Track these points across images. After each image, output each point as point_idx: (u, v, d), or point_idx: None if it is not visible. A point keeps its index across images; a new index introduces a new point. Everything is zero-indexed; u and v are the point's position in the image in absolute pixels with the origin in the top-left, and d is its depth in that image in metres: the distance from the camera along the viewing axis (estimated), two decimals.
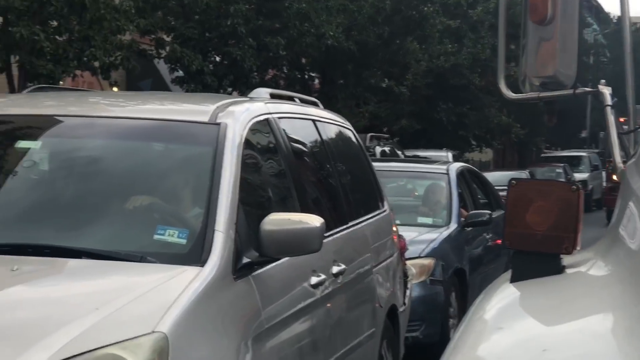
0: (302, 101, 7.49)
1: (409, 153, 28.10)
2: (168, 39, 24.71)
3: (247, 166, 5.38)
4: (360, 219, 7.25)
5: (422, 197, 12.94)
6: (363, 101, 33.62)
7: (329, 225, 5.86)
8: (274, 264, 5.13)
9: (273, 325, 5.01)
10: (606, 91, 3.47)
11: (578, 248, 2.60)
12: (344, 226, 6.75)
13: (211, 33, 25.35)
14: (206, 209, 4.89)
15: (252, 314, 4.83)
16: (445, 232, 11.30)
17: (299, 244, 4.97)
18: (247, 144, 5.45)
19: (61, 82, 19.94)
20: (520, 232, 2.60)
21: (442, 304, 10.51)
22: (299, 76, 32.75)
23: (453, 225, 11.58)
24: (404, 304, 8.07)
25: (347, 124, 8.21)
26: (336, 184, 7.11)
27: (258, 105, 6.08)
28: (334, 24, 27.22)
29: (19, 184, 5.56)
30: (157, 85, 31.31)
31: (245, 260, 4.83)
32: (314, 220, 5.02)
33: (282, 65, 30.26)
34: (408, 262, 9.33)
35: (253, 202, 5.51)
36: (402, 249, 8.35)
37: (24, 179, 5.63)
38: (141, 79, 31.28)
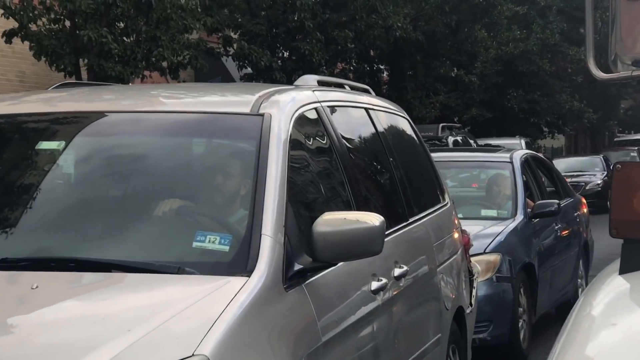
0: (353, 88, 6.96)
1: (481, 142, 27.83)
2: (235, 36, 24.72)
3: (296, 161, 4.81)
4: (421, 215, 6.61)
5: (485, 188, 12.35)
6: (433, 91, 33.53)
7: (389, 224, 5.27)
8: (329, 269, 4.54)
9: (331, 339, 4.44)
10: None
11: None
12: (404, 223, 6.14)
13: (278, 28, 25.32)
14: (251, 210, 4.32)
15: (306, 327, 4.27)
16: (511, 225, 10.69)
17: (357, 246, 4.36)
18: (295, 136, 4.85)
19: (130, 84, 20.06)
20: (628, 219, 2.44)
21: (510, 302, 9.93)
22: (368, 69, 32.70)
23: (519, 217, 10.97)
24: (471, 304, 7.52)
25: (402, 112, 7.57)
26: (393, 178, 6.45)
27: (305, 94, 5.46)
28: (402, 15, 27.16)
29: (41, 188, 4.87)
30: (227, 81, 31.44)
31: (297, 267, 4.29)
32: (373, 219, 4.43)
33: (351, 58, 30.22)
34: (472, 259, 8.84)
35: (304, 201, 4.98)
36: (466, 244, 7.78)
37: (47, 183, 4.93)
38: (210, 78, 31.38)
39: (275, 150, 4.55)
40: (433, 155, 12.79)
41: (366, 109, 6.44)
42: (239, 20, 24.78)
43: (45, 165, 5.02)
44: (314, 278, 4.41)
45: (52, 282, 4.10)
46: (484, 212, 11.35)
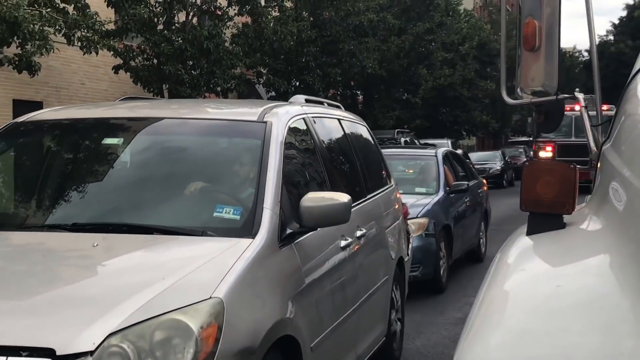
0: (329, 105, 6.59)
1: (422, 141, 27.77)
2: (264, 71, 24.63)
3: (288, 155, 4.65)
4: (375, 193, 6.40)
5: (418, 173, 12.09)
6: (391, 108, 33.41)
7: (354, 199, 5.06)
8: (311, 233, 4.34)
9: (312, 282, 4.30)
10: (580, 96, 3.26)
11: (575, 210, 2.40)
12: (363, 199, 5.93)
13: (292, 66, 25.30)
14: (256, 190, 4.13)
15: (294, 274, 4.13)
16: (435, 198, 10.67)
17: (331, 216, 4.20)
18: (288, 137, 4.69)
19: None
20: (533, 199, 2.39)
21: (434, 251, 9.91)
22: (349, 93, 32.64)
23: (441, 193, 10.93)
24: (408, 254, 7.39)
25: (362, 122, 7.22)
26: (356, 167, 6.18)
27: (296, 108, 5.25)
28: (372, 59, 27.03)
29: (104, 172, 4.68)
30: None
31: (289, 231, 4.10)
32: (343, 197, 4.27)
33: (339, 86, 30.12)
34: (409, 222, 8.75)
35: (294, 184, 4.71)
36: (405, 213, 7.62)
37: (108, 169, 4.71)
38: (248, 97, 31.34)
39: (274, 147, 4.39)
40: (386, 150, 12.81)
41: (338, 119, 6.16)
42: (267, 61, 24.66)
43: (108, 155, 4.82)
44: (300, 239, 4.23)
45: (108, 241, 3.94)
46: (417, 189, 11.22)
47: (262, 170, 4.21)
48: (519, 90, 3.28)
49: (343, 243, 4.96)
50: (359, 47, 26.20)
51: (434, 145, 23.05)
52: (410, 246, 7.56)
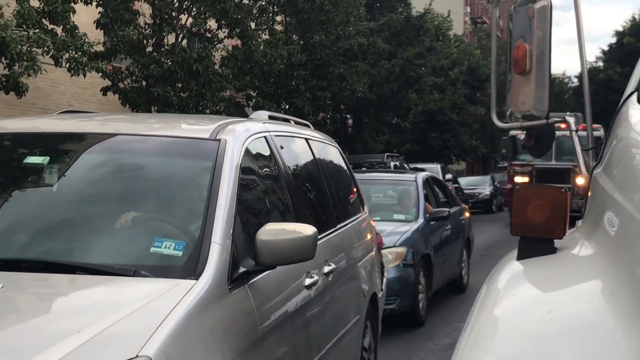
0: (297, 123, 5.97)
1: (412, 165, 27.80)
2: (254, 94, 24.65)
3: (245, 179, 4.00)
4: (346, 222, 5.75)
5: (397, 199, 11.42)
6: (381, 132, 33.46)
7: (321, 230, 4.54)
8: (270, 271, 3.69)
9: (269, 331, 3.62)
10: (571, 120, 3.26)
11: (566, 234, 2.38)
12: (333, 229, 5.30)
13: (282, 90, 25.27)
14: (204, 220, 3.44)
15: (247, 323, 3.44)
16: (414, 226, 10.02)
17: (293, 252, 3.54)
18: (246, 158, 4.05)
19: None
20: (524, 223, 2.37)
21: (412, 282, 9.28)
22: (339, 116, 32.69)
23: (420, 220, 10.29)
24: (382, 289, 6.72)
25: (334, 143, 6.54)
26: (326, 193, 5.54)
27: (257, 125, 4.60)
28: (362, 82, 27.09)
29: (21, 199, 3.89)
30: None
31: (242, 270, 3.46)
32: (307, 230, 3.61)
33: (328, 110, 30.16)
34: (385, 250, 8.37)
35: (251, 213, 4.10)
36: (380, 244, 6.98)
37: (28, 195, 3.93)
38: None
39: (228, 170, 3.74)
40: (364, 174, 12.51)
41: (306, 139, 5.53)
42: (257, 84, 24.66)
43: (30, 177, 4.02)
44: (256, 279, 3.59)
45: (17, 283, 3.18)
46: (396, 216, 10.67)
47: (212, 197, 3.58)
48: (509, 113, 3.29)
49: (308, 281, 4.37)
50: (349, 71, 26.24)
51: (422, 170, 22.94)
52: (384, 280, 6.95)
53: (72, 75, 15.06)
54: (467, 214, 13.64)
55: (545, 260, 2.25)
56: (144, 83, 19.19)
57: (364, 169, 22.99)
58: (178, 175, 4.04)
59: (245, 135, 4.21)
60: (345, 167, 6.60)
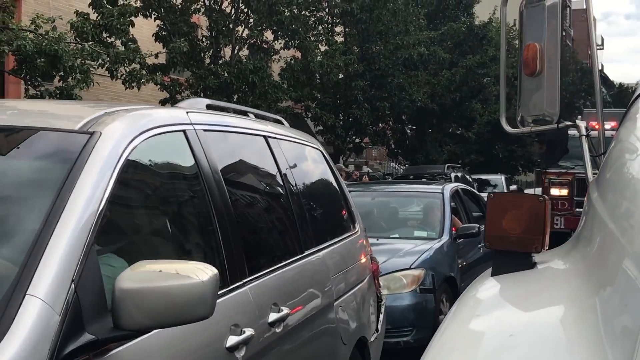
0: (262, 117, 4.69)
1: (475, 177, 27.43)
2: (312, 105, 24.59)
3: (131, 191, 2.79)
4: (320, 247, 4.34)
5: (420, 214, 10.04)
6: (444, 143, 33.14)
7: (272, 260, 3.57)
8: (146, 336, 2.36)
9: None
10: (582, 124, 3.03)
11: (546, 248, 2.16)
12: (294, 258, 3.90)
13: (340, 100, 25.20)
14: (26, 258, 2.14)
15: None
16: (436, 244, 8.59)
17: (175, 309, 2.24)
18: (137, 161, 2.77)
19: None
20: (499, 234, 2.17)
21: (432, 310, 7.79)
22: (400, 127, 32.46)
23: (445, 238, 8.84)
24: (377, 330, 5.24)
25: (315, 144, 5.18)
26: (288, 211, 4.16)
27: (172, 114, 3.31)
28: (421, 92, 26.85)
29: None
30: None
31: (89, 338, 2.13)
32: (200, 273, 2.28)
33: (388, 120, 29.98)
34: (399, 274, 7.48)
35: (132, 243, 2.79)
36: (375, 271, 5.49)
37: None
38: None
39: (94, 177, 2.47)
40: (382, 186, 11.55)
41: (265, 137, 4.16)
42: (316, 94, 24.63)
43: None
44: (117, 350, 2.27)
45: None
46: (417, 233, 9.27)
47: (51, 219, 2.26)
48: (519, 118, 3.10)
49: (233, 340, 2.93)
50: (408, 81, 26.04)
51: (487, 182, 22.42)
52: (382, 319, 5.53)
53: (126, 88, 15.19)
54: None
55: (519, 277, 2.06)
56: (201, 95, 19.29)
57: (424, 180, 22.78)
58: (13, 183, 2.63)
59: (139, 127, 2.88)
60: (330, 175, 5.29)
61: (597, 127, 3.13)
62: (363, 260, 5.21)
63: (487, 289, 2.04)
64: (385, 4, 24.03)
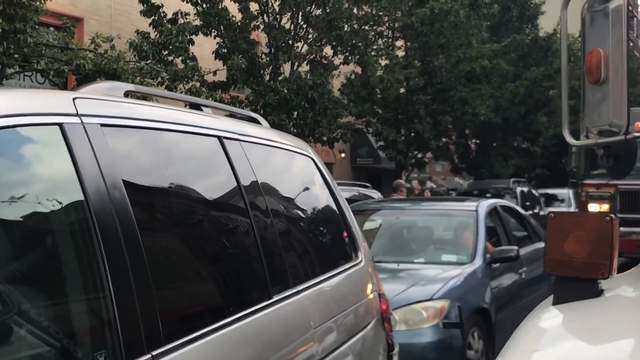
0: (237, 116, 3.66)
1: (542, 191, 26.90)
2: (373, 120, 24.45)
3: None
4: (301, 287, 3.16)
5: (449, 236, 8.77)
6: (509, 157, 32.64)
7: (211, 318, 2.52)
8: None
9: None
10: None
11: (614, 273, 1.96)
12: (250, 309, 2.73)
13: (401, 115, 25.00)
14: None
15: None
16: (467, 270, 7.38)
17: None
18: None
19: None
20: (560, 259, 1.97)
21: (458, 347, 6.58)
22: (463, 141, 32.07)
23: (477, 262, 7.59)
24: None
25: (305, 151, 3.97)
26: (247, 238, 2.98)
27: (46, 100, 2.28)
28: (485, 106, 26.48)
29: None
30: (370, 151, 31.15)
31: None
32: None
33: (451, 135, 29.63)
34: (419, 306, 6.43)
35: None
36: (385, 312, 4.21)
37: None
38: (360, 147, 31.22)
39: None
40: (414, 205, 9.68)
41: (220, 138, 3.00)
42: (377, 110, 24.48)
43: None
44: None
45: None
46: (445, 257, 8.03)
47: None
48: (583, 129, 2.91)
49: None
50: (471, 94, 25.69)
51: (554, 196, 21.57)
52: None
53: (185, 105, 15.22)
54: None
55: (584, 306, 1.86)
56: (261, 112, 19.30)
57: (488, 195, 22.36)
58: None
59: None
60: (323, 190, 4.04)
61: None
62: (367, 299, 4.00)
63: (547, 320, 1.85)
64: (446, 17, 23.77)
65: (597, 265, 1.93)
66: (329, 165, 29.94)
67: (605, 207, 14.39)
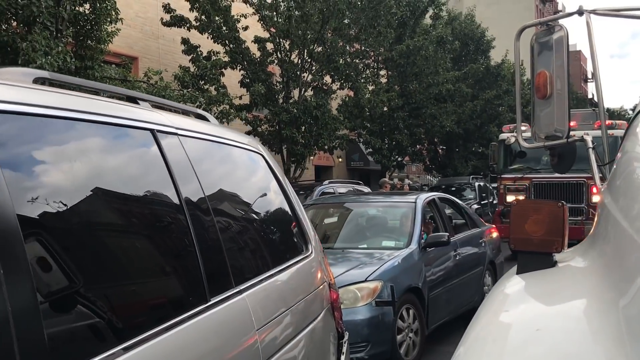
0: (185, 113, 2.89)
1: (494, 185, 26.75)
2: (363, 132, 24.37)
3: None
4: (242, 287, 2.38)
5: (390, 224, 7.93)
6: (468, 159, 32.51)
7: (142, 326, 1.77)
8: None
9: None
10: (588, 138, 2.76)
11: (565, 249, 1.90)
12: (185, 315, 1.96)
13: (385, 128, 24.89)
14: None
15: None
16: (401, 254, 6.64)
17: None
18: None
19: (311, 158, 19.92)
20: (522, 237, 1.92)
21: (390, 322, 5.94)
22: (433, 147, 31.96)
23: (413, 247, 6.88)
24: None
25: (255, 147, 3.19)
26: (182, 237, 2.15)
27: None
28: (450, 120, 26.39)
29: None
30: (361, 156, 31.03)
31: None
32: None
33: (424, 142, 29.51)
34: (354, 287, 5.85)
35: None
36: (335, 301, 3.46)
37: None
38: (353, 153, 31.12)
39: None
40: (361, 197, 8.97)
41: (153, 132, 2.19)
42: (366, 124, 24.40)
43: None
44: None
45: None
46: (384, 243, 7.26)
47: None
48: (533, 135, 2.85)
49: None
50: (439, 111, 25.62)
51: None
52: (344, 357, 3.46)
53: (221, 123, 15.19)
54: (494, 235, 9.55)
55: (542, 275, 1.80)
56: (277, 127, 19.24)
57: (453, 188, 22.27)
58: None
59: None
60: (272, 185, 3.25)
61: (595, 124, 2.85)
62: (317, 290, 3.23)
63: (512, 286, 1.79)
64: (419, 52, 23.68)
65: (552, 242, 1.87)
66: (329, 168, 29.90)
67: (521, 197, 13.15)
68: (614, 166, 1.99)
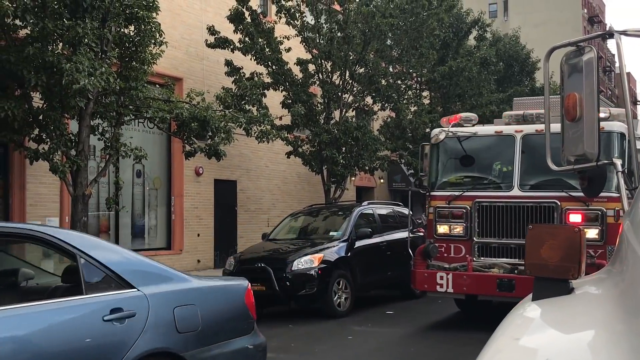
0: None
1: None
2: (405, 154, 24.23)
3: None
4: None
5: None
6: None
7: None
8: None
9: None
10: (618, 162, 2.68)
11: (582, 275, 1.84)
12: None
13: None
14: None
15: None
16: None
17: None
18: None
19: (352, 178, 19.88)
20: (538, 263, 1.86)
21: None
22: None
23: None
24: None
25: None
26: None
27: None
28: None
29: None
30: (403, 177, 30.84)
31: None
32: None
33: None
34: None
35: None
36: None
37: None
38: (394, 174, 30.94)
39: None
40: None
41: None
42: (408, 145, 24.27)
43: None
44: None
45: None
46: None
47: None
48: (563, 157, 2.79)
49: None
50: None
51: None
52: None
53: (258, 143, 15.33)
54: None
55: (558, 302, 1.74)
56: (317, 148, 19.32)
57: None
58: None
59: None
60: None
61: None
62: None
63: (526, 312, 1.74)
64: (462, 73, 23.52)
65: (568, 268, 1.81)
66: (370, 189, 29.83)
67: (458, 228, 8.80)
68: (636, 193, 1.92)
